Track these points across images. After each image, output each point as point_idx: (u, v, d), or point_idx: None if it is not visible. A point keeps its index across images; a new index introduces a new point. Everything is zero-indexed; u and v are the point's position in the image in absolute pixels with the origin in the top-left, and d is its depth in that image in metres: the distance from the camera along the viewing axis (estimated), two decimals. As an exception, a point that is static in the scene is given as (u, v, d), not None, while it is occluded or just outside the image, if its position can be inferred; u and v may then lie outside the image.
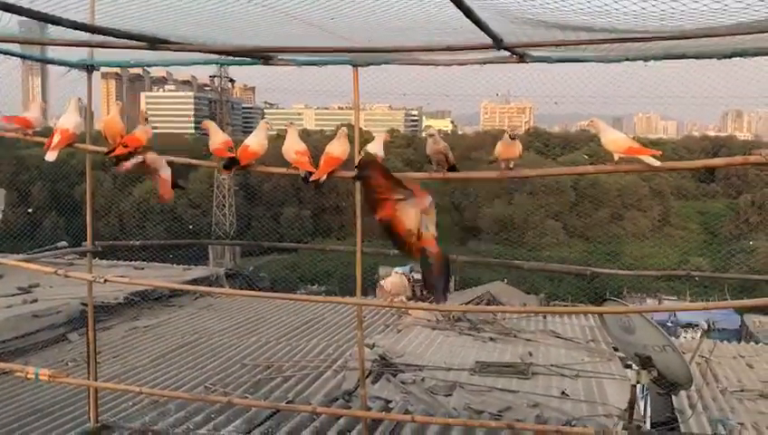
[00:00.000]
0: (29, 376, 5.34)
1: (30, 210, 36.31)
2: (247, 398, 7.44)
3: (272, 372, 9.40)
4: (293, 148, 4.66)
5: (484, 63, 4.82)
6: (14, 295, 13.01)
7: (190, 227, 36.40)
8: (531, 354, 10.02)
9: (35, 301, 12.65)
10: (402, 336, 11.46)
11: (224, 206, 36.90)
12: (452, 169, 4.66)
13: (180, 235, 31.90)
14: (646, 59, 4.71)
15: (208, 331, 12.13)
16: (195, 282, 16.15)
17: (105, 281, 4.59)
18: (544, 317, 13.02)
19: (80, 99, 5.08)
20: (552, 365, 9.45)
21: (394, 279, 4.60)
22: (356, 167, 4.63)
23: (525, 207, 43.08)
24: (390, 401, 7.66)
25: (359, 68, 4.88)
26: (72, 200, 34.33)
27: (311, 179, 4.58)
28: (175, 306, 14.38)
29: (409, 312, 13.53)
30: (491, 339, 11.27)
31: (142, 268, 17.29)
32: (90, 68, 5.57)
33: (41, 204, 38.39)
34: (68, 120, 4.97)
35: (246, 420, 6.70)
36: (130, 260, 17.79)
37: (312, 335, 11.76)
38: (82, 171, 6.34)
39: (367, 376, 5.83)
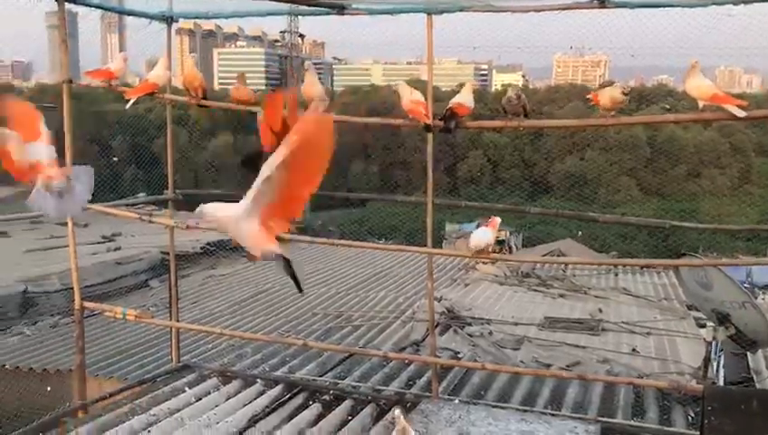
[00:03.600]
0: (117, 316, 5.65)
1: (115, 158, 37.60)
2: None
3: (342, 321, 9.63)
4: (409, 97, 4.65)
5: (562, 10, 4.66)
6: (98, 243, 13.69)
7: (267, 175, 37.01)
8: (601, 311, 9.90)
9: (118, 249, 13.30)
10: (469, 291, 11.52)
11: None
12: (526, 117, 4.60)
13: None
14: (735, 2, 4.44)
15: (281, 280, 12.46)
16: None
17: (187, 227, 4.78)
18: (616, 275, 12.81)
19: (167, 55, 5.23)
20: (622, 322, 9.32)
21: (479, 237, 4.55)
22: (441, 119, 4.60)
23: (598, 162, 41.85)
24: (458, 353, 7.75)
25: (433, 16, 4.81)
26: (151, 154, 35.43)
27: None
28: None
29: (477, 267, 13.56)
30: (560, 295, 11.19)
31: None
32: (169, 20, 5.71)
33: (121, 157, 39.78)
34: (151, 72, 5.17)
35: (319, 365, 6.93)
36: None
37: (380, 287, 11.95)
38: (160, 125, 6.54)
39: (435, 327, 5.91)
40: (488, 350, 8.04)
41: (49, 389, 7.88)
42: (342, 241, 5.90)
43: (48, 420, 5.18)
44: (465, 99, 4.58)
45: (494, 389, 6.26)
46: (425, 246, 5.28)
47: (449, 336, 8.64)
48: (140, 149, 38.36)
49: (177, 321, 6.21)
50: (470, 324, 9.24)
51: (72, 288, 5.89)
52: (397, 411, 3.93)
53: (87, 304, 5.73)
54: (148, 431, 4.89)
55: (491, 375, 6.59)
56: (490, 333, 8.86)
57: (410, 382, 6.57)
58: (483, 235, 4.50)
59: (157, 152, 35.51)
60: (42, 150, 3.26)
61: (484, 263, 13.88)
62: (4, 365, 8.30)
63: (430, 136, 5.09)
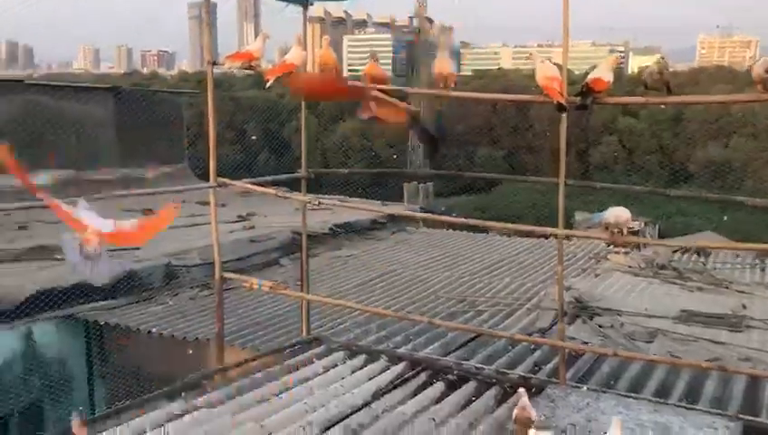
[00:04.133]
0: (253, 286, 5.96)
1: (254, 137, 39.34)
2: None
3: (465, 305, 9.58)
4: (544, 74, 4.51)
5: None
6: (234, 222, 14.39)
7: (394, 156, 37.41)
8: (744, 307, 9.23)
9: (252, 228, 13.92)
10: (600, 281, 11.11)
11: (419, 146, 37.46)
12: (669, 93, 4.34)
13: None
14: None
15: (405, 263, 12.62)
16: (392, 217, 16.82)
17: (319, 203, 4.93)
18: (762, 269, 11.91)
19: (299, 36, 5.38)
20: (769, 320, 8.65)
21: (618, 212, 4.36)
22: (577, 95, 4.42)
23: (745, 150, 38.81)
24: (587, 343, 7.51)
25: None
26: (282, 139, 36.86)
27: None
28: (373, 239, 15.12)
29: (609, 257, 13.07)
30: (698, 289, 10.55)
31: (345, 202, 18.31)
32: (305, 3, 5.88)
33: (254, 142, 41.61)
34: (288, 54, 5.35)
35: (443, 345, 6.94)
36: (334, 195, 18.89)
37: (505, 274, 11.78)
38: (292, 110, 6.76)
39: (563, 316, 5.74)
40: (619, 341, 7.72)
41: (191, 352, 8.41)
42: (472, 220, 5.83)
43: (189, 381, 5.53)
44: (603, 73, 4.37)
45: (625, 379, 6.01)
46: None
47: (578, 326, 8.38)
48: (272, 134, 39.96)
49: (308, 293, 6.42)
50: (600, 315, 8.91)
51: (211, 263, 6.27)
52: (521, 390, 3.89)
53: (226, 274, 6.06)
54: (280, 397, 5.11)
55: (622, 365, 6.34)
56: (621, 324, 8.51)
57: (536, 368, 6.45)
58: (621, 210, 4.31)
59: (287, 137, 36.90)
60: (99, 221, 3.75)
61: (616, 252, 13.35)
62: (149, 331, 8.93)
63: (564, 115, 4.93)
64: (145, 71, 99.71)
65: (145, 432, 4.44)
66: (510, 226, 5.47)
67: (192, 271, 11.19)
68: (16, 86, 17.57)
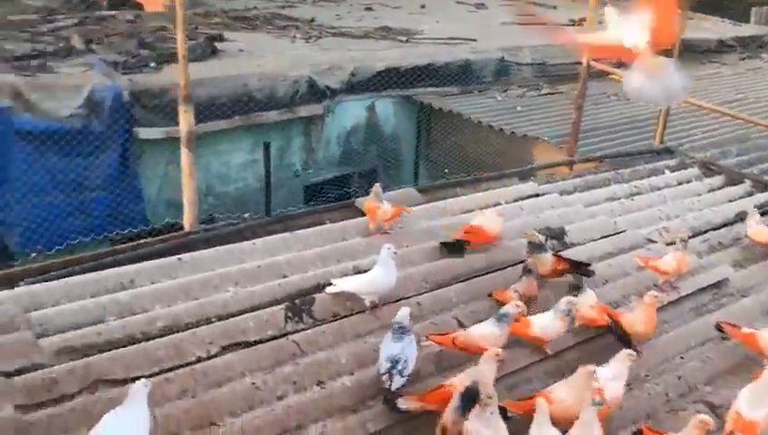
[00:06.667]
0: (620, 79, 5.57)
1: None
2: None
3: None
4: None
5: None
6: (566, 26, 13.64)
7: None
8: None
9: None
10: None
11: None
12: None
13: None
14: None
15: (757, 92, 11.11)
16: (742, 40, 14.69)
17: None
18: None
19: None
20: None
21: None
22: None
23: None
24: None
25: None
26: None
27: None
28: (718, 63, 13.45)
29: None
30: None
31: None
32: None
33: None
34: None
35: None
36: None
37: None
38: None
39: None
40: None
41: (518, 147, 8.46)
42: None
43: (539, 166, 5.57)
44: None
45: None
46: None
47: None
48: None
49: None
50: None
51: (541, 64, 5.95)
52: None
53: (595, 64, 5.74)
54: (632, 199, 4.94)
55: None
56: None
57: None
58: None
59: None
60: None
61: None
62: (479, 121, 9.13)
63: None
64: None
65: (500, 203, 4.61)
66: None
67: (523, 69, 10.98)
68: None
